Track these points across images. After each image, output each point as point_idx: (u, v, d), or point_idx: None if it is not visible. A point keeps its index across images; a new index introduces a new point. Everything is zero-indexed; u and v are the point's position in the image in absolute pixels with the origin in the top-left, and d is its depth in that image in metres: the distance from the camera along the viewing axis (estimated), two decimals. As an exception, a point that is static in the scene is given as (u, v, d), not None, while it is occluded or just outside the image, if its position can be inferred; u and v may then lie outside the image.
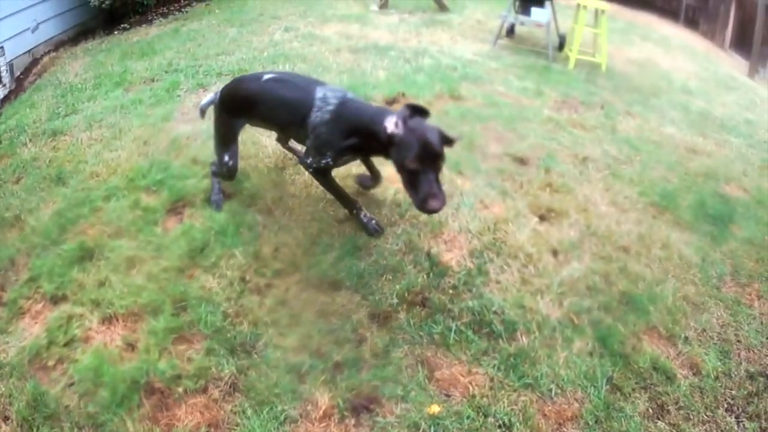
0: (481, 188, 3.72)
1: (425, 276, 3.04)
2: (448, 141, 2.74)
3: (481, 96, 5.05)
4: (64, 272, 3.12)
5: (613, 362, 2.68)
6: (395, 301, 2.91)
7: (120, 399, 2.48)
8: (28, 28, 6.81)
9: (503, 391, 2.52)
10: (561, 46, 6.86)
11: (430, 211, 2.69)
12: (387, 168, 3.34)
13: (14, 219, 3.64)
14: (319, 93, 3.00)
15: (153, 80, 5.47)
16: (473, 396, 2.51)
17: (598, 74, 6.29)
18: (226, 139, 3.39)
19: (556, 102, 5.22)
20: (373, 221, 3.27)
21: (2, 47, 6.34)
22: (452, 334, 2.74)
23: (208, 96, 3.60)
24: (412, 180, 2.63)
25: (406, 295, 2.93)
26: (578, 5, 6.46)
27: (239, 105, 3.29)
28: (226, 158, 3.36)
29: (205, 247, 3.22)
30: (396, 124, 2.71)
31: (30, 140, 4.57)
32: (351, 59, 5.90)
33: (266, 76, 3.28)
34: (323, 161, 3.05)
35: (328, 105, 2.96)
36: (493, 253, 3.19)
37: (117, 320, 2.85)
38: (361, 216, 3.25)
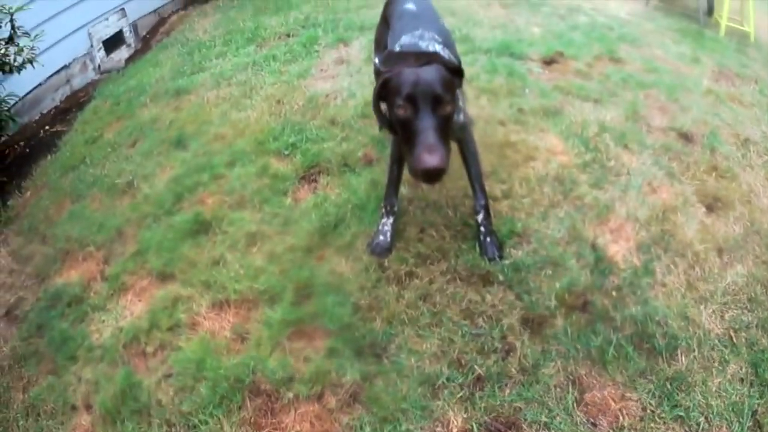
0: (648, 167, 3.83)
1: (588, 273, 3.08)
2: (448, 82, 2.54)
3: (641, 60, 5.41)
4: (174, 247, 3.42)
5: (760, 393, 2.61)
6: (553, 303, 2.92)
7: (220, 399, 2.62)
8: (153, -13, 7.68)
9: (653, 424, 2.49)
10: (710, 11, 7.60)
11: (426, 174, 2.40)
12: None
13: (126, 186, 4.09)
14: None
15: (288, 35, 5.88)
16: (621, 428, 2.47)
17: (747, 44, 6.85)
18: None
19: (713, 72, 5.56)
20: None
21: (123, 9, 7.11)
22: (611, 348, 2.72)
23: None
24: (405, 135, 2.50)
25: (566, 296, 2.95)
26: None
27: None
28: None
29: (339, 224, 3.34)
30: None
31: (150, 101, 5.09)
32: (502, 14, 6.44)
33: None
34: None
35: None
36: (660, 249, 3.22)
37: (229, 306, 3.05)
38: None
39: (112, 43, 7.03)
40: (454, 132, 2.90)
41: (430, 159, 2.29)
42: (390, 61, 2.79)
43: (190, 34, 6.59)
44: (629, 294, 2.99)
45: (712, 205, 3.58)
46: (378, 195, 3.42)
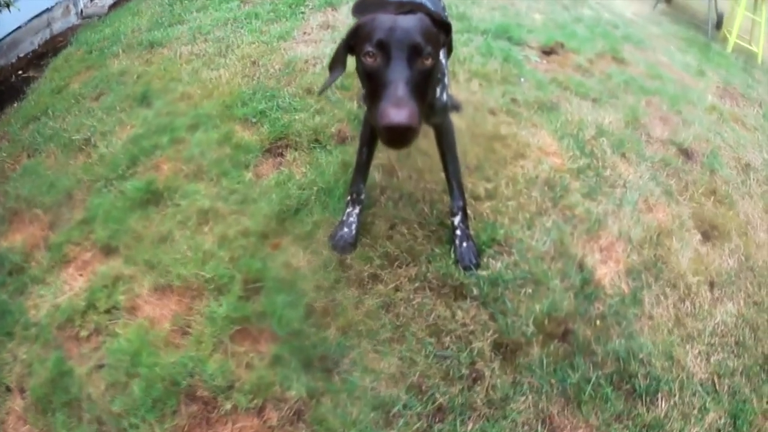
0: (645, 182, 3.42)
1: (572, 296, 2.65)
2: (431, 33, 2.01)
3: (644, 64, 5.00)
4: (122, 217, 2.93)
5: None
6: (531, 328, 2.49)
7: (153, 401, 2.20)
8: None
9: (624, 477, 2.20)
10: (719, 24, 7.10)
11: (391, 132, 1.82)
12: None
13: (83, 143, 3.55)
14: None
15: (276, -6, 5.31)
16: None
17: (754, 65, 6.30)
18: None
19: (718, 88, 5.13)
20: None
21: None
22: (589, 387, 2.36)
23: None
24: (372, 88, 1.96)
25: (545, 321, 2.52)
26: None
27: None
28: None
29: (301, 208, 2.81)
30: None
31: (123, 51, 4.48)
32: None
33: None
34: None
35: None
36: (651, 276, 2.84)
37: (172, 292, 2.59)
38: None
39: (100, -14, 6.36)
40: (434, 113, 2.39)
41: (396, 114, 1.76)
42: (364, 7, 2.27)
43: (176, -17, 5.92)
44: (614, 324, 2.61)
45: (709, 232, 3.22)
46: (348, 179, 2.85)
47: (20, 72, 5.17)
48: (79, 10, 6.15)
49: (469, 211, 2.73)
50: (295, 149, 3.18)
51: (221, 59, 4.06)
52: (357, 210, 2.68)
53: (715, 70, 5.47)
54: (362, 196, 2.70)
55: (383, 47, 1.89)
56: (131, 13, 5.41)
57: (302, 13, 4.80)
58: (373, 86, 1.93)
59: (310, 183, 2.92)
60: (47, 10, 5.78)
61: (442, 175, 2.74)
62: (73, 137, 3.61)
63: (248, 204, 2.88)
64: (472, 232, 2.69)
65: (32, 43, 5.66)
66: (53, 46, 5.58)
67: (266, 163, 3.12)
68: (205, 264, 2.63)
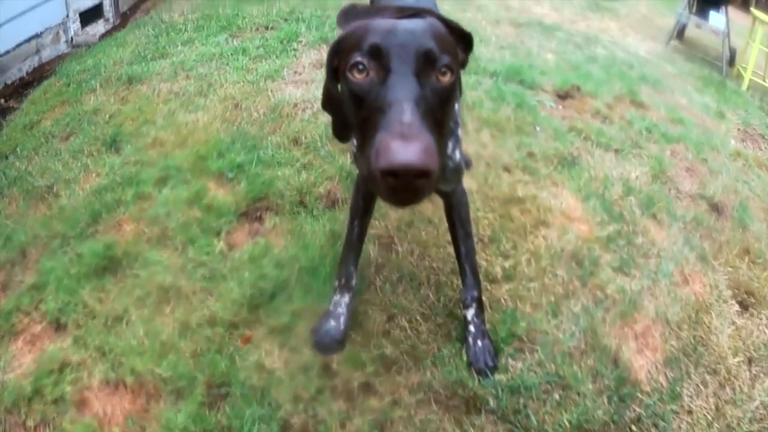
0: (679, 247, 2.85)
1: (606, 400, 2.05)
2: (447, 41, 1.33)
3: (664, 107, 4.45)
4: (75, 287, 2.37)
5: None
6: None
7: None
8: (137, -41, 6.42)
9: None
10: (731, 60, 6.60)
11: (393, 177, 1.05)
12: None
13: (46, 190, 2.99)
14: None
15: (267, 28, 4.71)
16: None
17: None
18: None
19: (739, 131, 4.63)
20: None
21: None
22: None
23: None
24: (364, 117, 1.24)
25: None
26: (755, 19, 6.25)
27: None
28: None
29: (278, 292, 2.20)
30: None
31: (101, 86, 3.88)
32: (512, 33, 5.44)
33: None
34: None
35: None
36: (691, 363, 2.28)
37: (125, 388, 2.02)
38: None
39: (90, 15, 5.75)
40: (444, 176, 1.66)
41: (403, 149, 1.04)
42: (354, 15, 1.63)
43: (166, 15, 5.31)
44: (650, 427, 2.05)
45: (745, 300, 2.66)
46: (337, 255, 2.25)
47: (2, 100, 4.58)
48: (70, 38, 5.58)
49: (484, 298, 2.14)
50: (276, 213, 2.57)
51: (201, 99, 3.47)
52: (346, 298, 2.07)
53: (734, 110, 4.93)
54: (353, 282, 2.09)
55: (379, 55, 1.23)
56: (116, 45, 4.81)
57: (294, 49, 4.21)
58: (365, 116, 1.23)
59: (290, 259, 2.30)
60: (36, 35, 5.21)
61: (452, 250, 2.15)
62: (36, 183, 3.04)
63: (216, 282, 2.27)
64: (488, 327, 2.08)
65: (20, 70, 5.06)
66: (40, 75, 4.98)
67: (241, 230, 2.51)
68: (163, 358, 2.05)
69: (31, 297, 2.39)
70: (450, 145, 1.73)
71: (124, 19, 6.04)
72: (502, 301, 2.24)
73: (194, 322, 2.15)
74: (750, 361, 2.35)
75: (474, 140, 3.21)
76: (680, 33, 7.07)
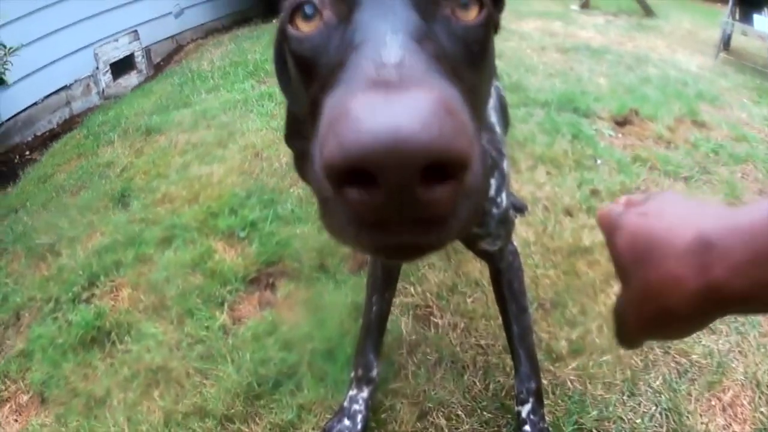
0: None
1: None
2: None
3: (726, 125, 4.08)
4: (59, 359, 2.09)
5: None
6: None
7: None
8: (170, 13, 6.30)
9: None
10: None
11: (364, 180, 0.44)
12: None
13: (48, 249, 2.72)
14: None
15: (296, 73, 4.42)
16: None
17: None
18: None
19: None
20: None
21: (136, 31, 5.74)
22: None
23: None
24: (313, 100, 0.64)
25: None
26: None
27: None
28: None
29: (284, 381, 1.77)
30: None
31: (118, 137, 3.66)
32: (560, 60, 5.12)
33: None
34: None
35: None
36: None
37: None
38: None
39: (121, 67, 5.62)
40: (486, 229, 1.29)
41: (382, 108, 0.43)
42: None
43: (196, 64, 5.12)
44: None
45: None
46: (354, 332, 1.83)
47: (27, 153, 4.48)
48: (101, 89, 5.43)
49: (546, 382, 1.69)
50: (291, 279, 2.18)
51: (220, 150, 3.16)
52: (365, 393, 1.63)
53: None
54: (373, 373, 1.65)
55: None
56: (142, 95, 4.62)
57: None
58: (316, 91, 0.63)
59: (302, 338, 1.89)
60: (65, 87, 5.10)
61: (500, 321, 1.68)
62: (40, 241, 2.78)
63: (213, 364, 1.87)
64: (549, 422, 1.62)
65: (50, 121, 4.99)
66: (69, 127, 4.82)
67: (248, 300, 2.12)
68: None
69: (19, 364, 2.14)
70: (493, 183, 1.25)
71: (157, 70, 5.90)
72: (568, 383, 1.77)
73: (182, 412, 1.76)
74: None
75: (528, 180, 2.83)
76: (726, 44, 6.68)
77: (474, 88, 0.66)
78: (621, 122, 3.72)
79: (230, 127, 3.45)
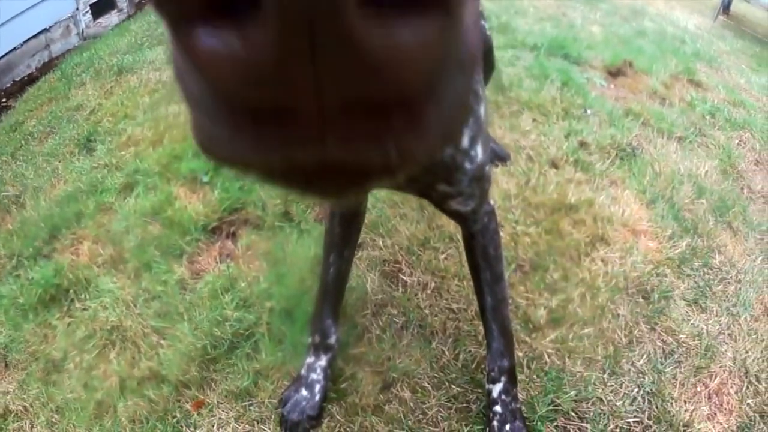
0: (758, 266, 2.19)
1: None
2: None
3: (724, 88, 3.81)
4: (19, 321, 1.94)
5: None
6: None
7: None
8: (155, -52, 6.04)
9: None
10: None
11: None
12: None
13: (13, 200, 2.54)
14: None
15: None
16: None
17: None
18: None
19: None
20: None
21: None
22: None
23: None
24: None
25: None
26: None
27: None
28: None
29: (241, 343, 1.59)
30: None
31: (91, 79, 3.40)
32: (553, 5, 4.82)
33: None
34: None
35: None
36: (765, 425, 1.67)
37: None
38: None
39: (102, 6, 5.27)
40: (458, 187, 1.08)
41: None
42: None
43: (177, 1, 4.83)
44: None
45: None
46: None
47: (4, 100, 4.13)
48: (81, 30, 5.11)
49: (521, 354, 1.51)
50: (254, 228, 1.98)
51: (190, 88, 2.90)
52: (323, 361, 1.46)
53: None
54: (331, 339, 1.47)
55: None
56: (118, 34, 4.33)
57: None
58: None
59: (260, 295, 1.69)
60: (45, 30, 4.77)
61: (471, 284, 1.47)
62: (6, 192, 2.58)
63: (170, 322, 1.70)
64: (522, 401, 1.44)
65: (29, 66, 4.62)
66: (48, 71, 4.53)
67: (209, 251, 1.92)
68: (98, 420, 1.56)
69: (-22, 329, 1.93)
70: (466, 132, 1.03)
71: (138, 8, 5.56)
72: (545, 356, 1.58)
73: (137, 377, 1.60)
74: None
75: (512, 127, 2.58)
76: (726, 8, 6.38)
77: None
78: (614, 73, 3.51)
79: (203, 64, 3.18)
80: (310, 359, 1.46)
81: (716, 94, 3.63)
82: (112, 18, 5.37)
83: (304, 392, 1.42)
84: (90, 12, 5.17)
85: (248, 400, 1.47)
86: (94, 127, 2.82)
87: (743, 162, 2.86)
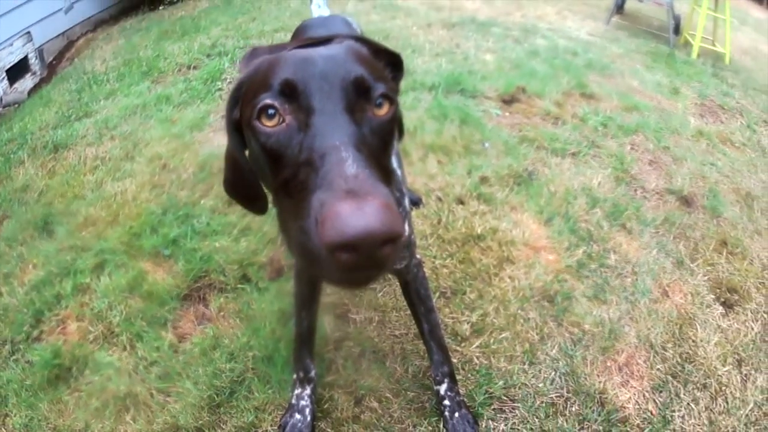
0: (654, 257, 2.54)
1: None
2: (375, 66, 0.97)
3: (617, 95, 3.99)
4: (34, 402, 2.06)
5: None
6: None
7: None
8: (61, 9, 5.89)
9: None
10: (677, 28, 5.95)
11: (351, 254, 0.70)
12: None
13: None
14: None
15: (189, 67, 4.21)
16: None
17: (723, 67, 5.30)
18: None
19: (696, 105, 4.23)
20: None
21: (29, 32, 5.35)
22: None
23: None
24: (285, 182, 0.87)
25: None
26: None
27: None
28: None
29: (237, 389, 1.87)
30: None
31: (28, 156, 3.43)
32: (446, 37, 4.81)
33: None
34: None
35: None
36: (679, 383, 2.00)
37: None
38: None
39: (16, 71, 5.26)
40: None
41: (358, 213, 0.69)
42: (257, 55, 1.10)
43: (89, 64, 4.75)
44: None
45: (728, 300, 2.39)
46: (291, 336, 1.91)
47: None
48: None
49: (455, 360, 1.88)
50: (220, 291, 2.23)
51: (128, 164, 3.05)
52: (308, 390, 1.78)
53: (687, 83, 4.56)
54: (312, 374, 1.79)
55: (295, 93, 0.86)
56: (41, 104, 4.26)
57: (219, 89, 3.74)
58: (288, 177, 0.85)
59: (243, 348, 1.98)
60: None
61: (410, 312, 1.82)
62: (-23, 283, 2.60)
63: (173, 381, 1.95)
64: (463, 393, 1.81)
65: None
66: (-28, 144, 4.50)
67: (187, 317, 2.16)
68: None
69: (-5, 413, 2.05)
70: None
71: (51, 70, 5.52)
72: (475, 359, 1.95)
73: (157, 430, 1.83)
74: (740, 363, 2.13)
75: (420, 171, 2.85)
76: (620, 7, 6.41)
77: (386, 157, 0.93)
78: (508, 100, 3.62)
79: (133, 138, 3.32)
80: (297, 390, 1.77)
81: (609, 103, 3.85)
82: (26, 82, 5.35)
83: (297, 416, 1.74)
84: (6, 78, 5.13)
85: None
86: (47, 209, 2.91)
87: (637, 165, 3.15)
